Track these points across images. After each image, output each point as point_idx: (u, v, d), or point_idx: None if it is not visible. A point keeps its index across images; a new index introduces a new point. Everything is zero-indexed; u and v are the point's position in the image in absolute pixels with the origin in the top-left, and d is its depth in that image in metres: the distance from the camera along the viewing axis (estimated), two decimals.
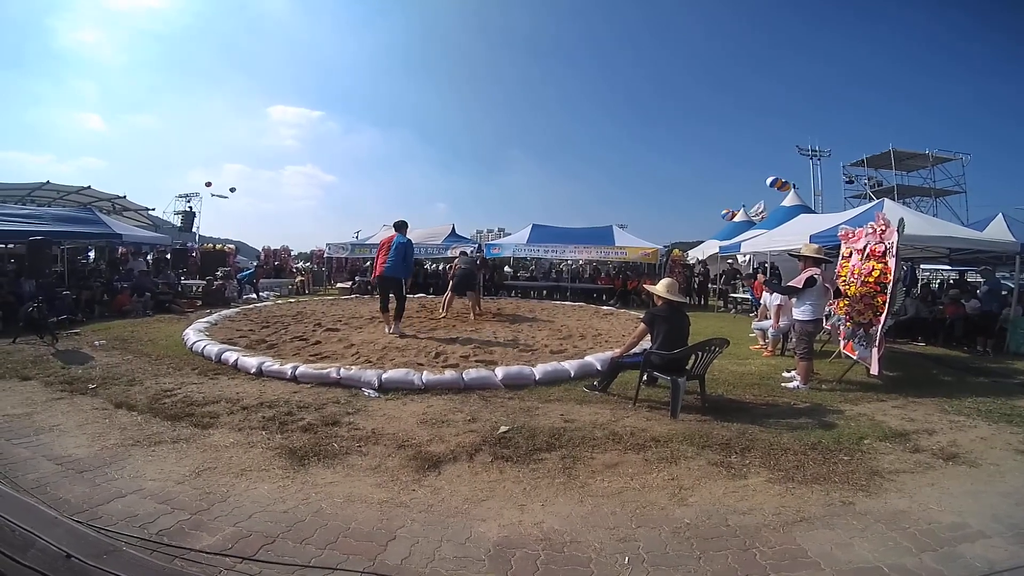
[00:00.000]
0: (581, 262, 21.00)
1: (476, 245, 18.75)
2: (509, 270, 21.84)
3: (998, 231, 11.43)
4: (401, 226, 8.68)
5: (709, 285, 18.50)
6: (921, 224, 9.73)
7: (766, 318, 8.51)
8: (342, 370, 5.69)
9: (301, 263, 27.25)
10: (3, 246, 13.24)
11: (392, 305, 8.33)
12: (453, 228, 19.48)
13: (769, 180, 29.43)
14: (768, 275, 12.56)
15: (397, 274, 8.30)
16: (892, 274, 6.02)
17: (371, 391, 5.32)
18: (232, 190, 31.84)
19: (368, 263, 18.65)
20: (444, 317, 10.67)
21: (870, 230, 6.54)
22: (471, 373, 5.78)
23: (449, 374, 5.76)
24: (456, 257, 13.74)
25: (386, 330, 8.45)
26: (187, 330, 8.30)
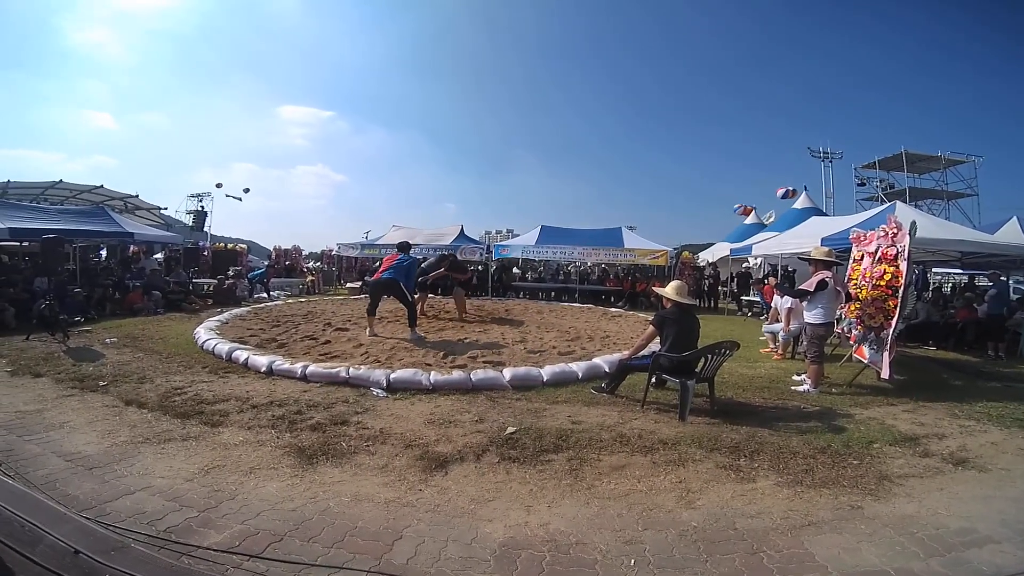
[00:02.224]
0: (590, 264, 20.95)
1: (484, 246, 18.76)
2: (517, 271, 21.80)
3: (1012, 234, 11.32)
4: (405, 247, 8.82)
5: (720, 288, 18.40)
6: (933, 227, 9.65)
7: (777, 321, 8.46)
8: (351, 369, 5.72)
9: (312, 263, 27.33)
10: (18, 244, 13.38)
11: (397, 307, 8.09)
12: (462, 229, 19.49)
13: (780, 192, 29.25)
14: (780, 279, 12.49)
15: (396, 277, 8.10)
16: (904, 277, 5.97)
17: (379, 391, 5.34)
18: (246, 191, 31.76)
19: (377, 263, 18.71)
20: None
21: (882, 233, 6.49)
22: (479, 374, 5.79)
23: (457, 375, 5.77)
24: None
25: (366, 332, 8.19)
26: (198, 328, 8.35)
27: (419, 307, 11.12)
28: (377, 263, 16.63)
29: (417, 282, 10.89)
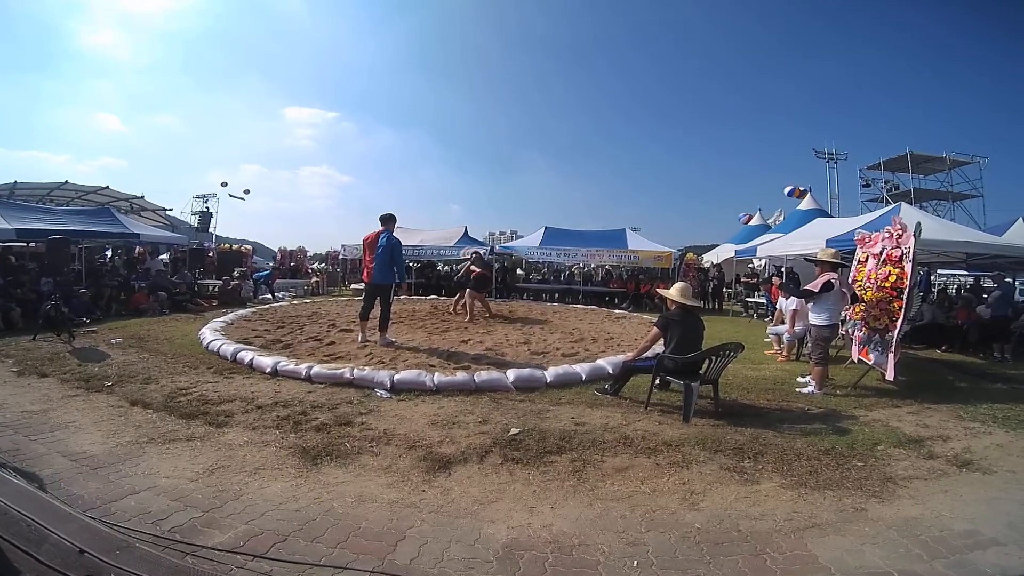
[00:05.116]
0: (593, 265, 20.94)
1: (488, 247, 18.77)
2: (521, 272, 21.81)
3: (1019, 236, 11.29)
4: (388, 220, 7.77)
5: (725, 289, 18.36)
6: (938, 228, 9.62)
7: (782, 323, 8.44)
8: (355, 370, 5.73)
9: (316, 264, 27.40)
10: (25, 245, 13.46)
11: (375, 313, 7.69)
12: (466, 230, 19.52)
13: (787, 190, 29.19)
14: (785, 279, 12.47)
15: (387, 280, 7.64)
16: (908, 279, 5.96)
17: (383, 392, 5.34)
18: (247, 192, 32.06)
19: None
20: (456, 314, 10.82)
21: (887, 234, 6.48)
22: (482, 375, 5.79)
23: (460, 376, 5.78)
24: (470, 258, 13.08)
25: (358, 338, 7.80)
26: (203, 329, 8.39)
27: (458, 306, 11.29)
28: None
29: (455, 281, 10.95)
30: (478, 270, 11.15)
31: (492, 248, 18.77)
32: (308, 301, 15.10)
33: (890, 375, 5.93)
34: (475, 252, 13.04)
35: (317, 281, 20.55)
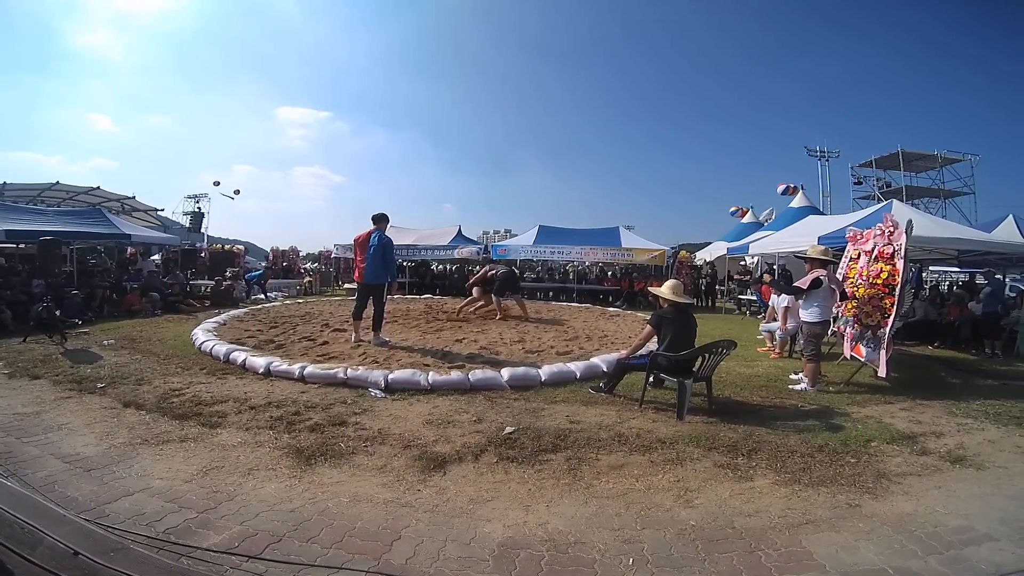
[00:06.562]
0: (587, 263, 20.97)
1: (482, 246, 18.78)
2: (515, 271, 21.81)
3: (1008, 233, 11.38)
4: (380, 219, 7.76)
5: (717, 287, 18.40)
6: (930, 225, 9.68)
7: (774, 320, 8.47)
8: (349, 370, 5.72)
9: (309, 264, 27.31)
10: (15, 246, 13.36)
11: (368, 312, 7.70)
12: (459, 229, 19.52)
13: (780, 188, 29.28)
14: (777, 277, 12.51)
15: (379, 280, 7.65)
16: (900, 276, 5.99)
17: (377, 391, 5.33)
18: (236, 192, 32.07)
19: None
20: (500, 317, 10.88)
21: (878, 232, 6.51)
22: (477, 374, 5.78)
23: (455, 375, 5.77)
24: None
25: (351, 338, 7.79)
26: (195, 330, 8.34)
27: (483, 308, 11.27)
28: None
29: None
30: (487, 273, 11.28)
31: (486, 247, 18.77)
32: (301, 301, 15.06)
33: (882, 372, 5.96)
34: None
35: (310, 281, 20.47)
